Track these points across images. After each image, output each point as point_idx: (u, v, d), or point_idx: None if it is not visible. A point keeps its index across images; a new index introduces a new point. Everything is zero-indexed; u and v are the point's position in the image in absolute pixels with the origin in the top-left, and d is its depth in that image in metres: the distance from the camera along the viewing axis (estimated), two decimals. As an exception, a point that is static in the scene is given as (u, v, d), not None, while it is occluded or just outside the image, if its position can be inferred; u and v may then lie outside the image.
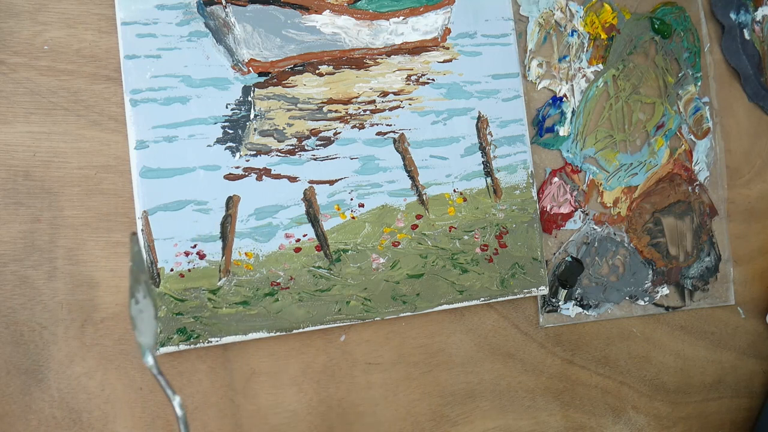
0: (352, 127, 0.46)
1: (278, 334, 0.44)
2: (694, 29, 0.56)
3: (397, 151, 0.47)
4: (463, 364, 0.49)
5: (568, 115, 0.52)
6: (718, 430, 0.57)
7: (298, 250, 0.44)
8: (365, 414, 0.47)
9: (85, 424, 0.41)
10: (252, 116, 0.44)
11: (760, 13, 0.58)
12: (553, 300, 0.51)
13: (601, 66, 0.53)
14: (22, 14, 0.41)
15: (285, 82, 0.44)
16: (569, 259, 0.51)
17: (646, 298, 0.54)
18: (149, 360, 0.34)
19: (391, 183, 0.46)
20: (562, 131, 0.52)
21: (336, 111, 0.45)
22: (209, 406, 0.44)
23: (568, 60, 0.52)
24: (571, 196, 0.52)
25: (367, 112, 0.46)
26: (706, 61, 0.56)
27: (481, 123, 0.48)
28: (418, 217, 0.47)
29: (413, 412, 0.48)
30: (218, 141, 0.43)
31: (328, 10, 0.45)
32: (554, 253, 0.51)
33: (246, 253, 0.43)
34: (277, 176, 0.44)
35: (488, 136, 0.48)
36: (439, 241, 0.47)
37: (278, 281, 0.44)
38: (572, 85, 0.52)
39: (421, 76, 0.47)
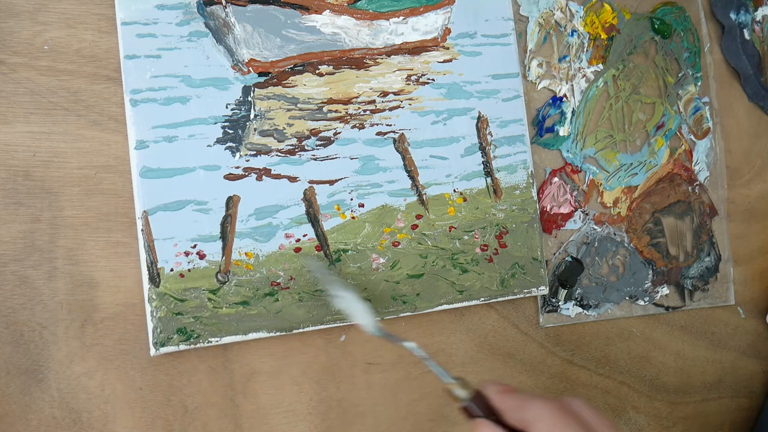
0: (352, 127, 0.46)
1: (278, 334, 0.44)
2: (694, 29, 0.56)
3: (397, 151, 0.47)
4: (463, 364, 0.49)
5: (568, 115, 0.52)
6: (718, 430, 0.57)
7: (298, 250, 0.44)
8: (365, 414, 0.47)
9: (85, 424, 0.41)
10: (252, 116, 0.44)
11: (760, 13, 0.58)
12: (553, 300, 0.51)
13: (601, 66, 0.53)
14: (22, 14, 0.41)
15: (285, 82, 0.44)
16: (569, 259, 0.51)
17: (646, 298, 0.54)
18: (380, 332, 0.40)
19: (391, 183, 0.46)
20: (562, 131, 0.52)
21: (336, 111, 0.45)
22: (209, 406, 0.44)
23: (568, 60, 0.52)
24: (571, 196, 0.52)
25: (367, 112, 0.46)
26: (706, 61, 0.56)
27: (481, 123, 0.48)
28: (418, 217, 0.47)
29: (413, 412, 0.48)
30: (218, 141, 0.43)
31: (328, 10, 0.45)
32: (554, 253, 0.51)
33: (246, 253, 0.43)
34: (277, 176, 0.44)
35: (488, 136, 0.48)
36: (439, 241, 0.47)
37: (278, 281, 0.44)
38: (572, 85, 0.52)
39: (421, 76, 0.47)
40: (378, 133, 0.46)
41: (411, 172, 0.47)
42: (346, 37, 0.46)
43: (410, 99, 0.47)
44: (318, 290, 0.44)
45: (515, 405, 0.33)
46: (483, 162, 0.48)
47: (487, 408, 0.34)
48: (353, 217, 0.45)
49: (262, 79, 0.44)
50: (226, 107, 0.43)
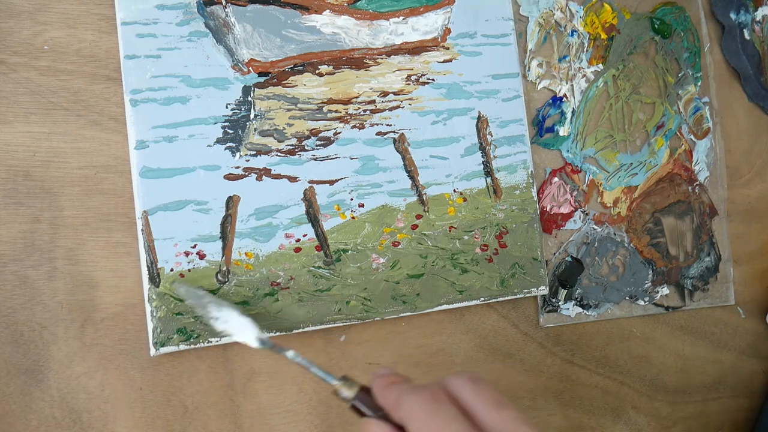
0: (352, 127, 0.46)
1: (278, 334, 0.44)
2: (694, 29, 0.56)
3: (397, 151, 0.47)
4: (463, 364, 0.49)
5: (568, 115, 0.52)
6: (718, 430, 0.57)
7: (298, 250, 0.44)
8: (365, 414, 0.47)
9: (85, 424, 0.41)
10: (252, 116, 0.44)
11: (760, 13, 0.58)
12: (553, 300, 0.51)
13: (601, 66, 0.53)
14: (22, 14, 0.41)
15: (285, 82, 0.44)
16: (569, 259, 0.51)
17: (646, 298, 0.54)
18: (264, 344, 0.38)
19: (391, 183, 0.46)
20: (562, 131, 0.52)
21: (336, 111, 0.45)
22: (209, 406, 0.44)
23: (568, 60, 0.52)
24: (571, 196, 0.52)
25: (367, 112, 0.46)
26: (706, 61, 0.56)
27: (481, 123, 0.48)
28: (418, 217, 0.47)
29: (413, 412, 0.48)
30: (218, 141, 0.43)
31: (328, 10, 0.45)
32: (554, 253, 0.51)
33: (246, 253, 0.43)
34: (277, 176, 0.44)
35: (488, 136, 0.48)
36: (439, 241, 0.47)
37: (278, 281, 0.44)
38: (572, 85, 0.52)
39: (421, 76, 0.47)
40: (378, 133, 0.46)
41: (411, 172, 0.47)
42: (346, 37, 0.46)
43: (410, 99, 0.47)
44: (318, 290, 0.44)
45: (393, 402, 0.31)
46: (483, 162, 0.48)
47: (375, 404, 0.32)
48: (353, 217, 0.45)
49: (262, 79, 0.44)
50: (226, 107, 0.43)
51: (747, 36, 0.57)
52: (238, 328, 0.39)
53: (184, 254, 0.42)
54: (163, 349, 0.41)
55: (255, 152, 0.44)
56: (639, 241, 0.53)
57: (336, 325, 0.45)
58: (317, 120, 0.45)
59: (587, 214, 0.52)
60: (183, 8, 0.43)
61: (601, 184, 0.53)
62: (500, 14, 0.49)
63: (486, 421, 0.29)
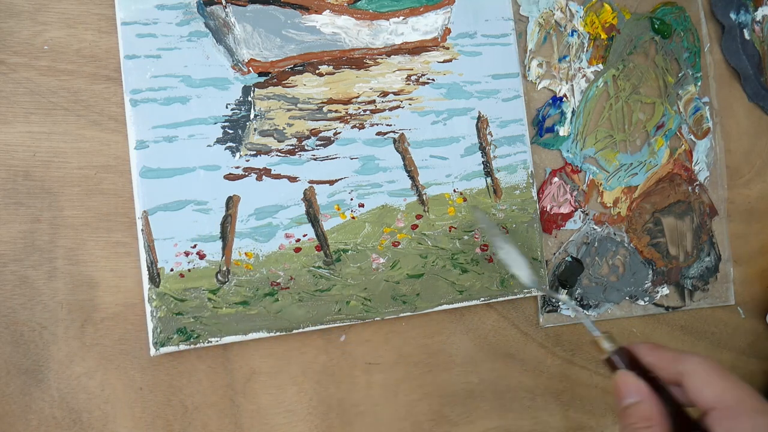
0: (352, 127, 0.46)
1: (278, 334, 0.44)
2: (694, 29, 0.56)
3: (397, 151, 0.47)
4: (463, 364, 0.49)
5: (568, 115, 0.52)
6: (718, 430, 0.57)
7: (298, 250, 0.44)
8: (365, 414, 0.47)
9: (85, 424, 0.41)
10: (252, 116, 0.44)
11: (760, 13, 0.58)
12: (553, 300, 0.51)
13: (601, 66, 0.53)
14: (22, 14, 0.41)
15: (285, 82, 0.44)
16: (569, 259, 0.51)
17: (646, 298, 0.54)
18: (533, 284, 0.45)
19: (391, 183, 0.46)
20: (562, 131, 0.52)
21: (336, 111, 0.45)
22: (209, 406, 0.44)
23: (568, 60, 0.52)
24: (571, 196, 0.52)
25: (367, 112, 0.46)
26: (706, 61, 0.56)
27: (481, 123, 0.48)
28: (418, 217, 0.47)
29: (413, 412, 0.48)
30: (218, 141, 0.43)
31: (328, 10, 0.45)
32: (554, 253, 0.51)
33: (246, 253, 0.43)
34: (277, 176, 0.44)
35: (488, 136, 0.48)
36: (439, 241, 0.47)
37: (278, 281, 0.44)
38: (572, 85, 0.52)
39: (421, 76, 0.47)
40: (378, 133, 0.46)
41: (411, 172, 0.47)
42: (346, 37, 0.46)
43: (410, 99, 0.47)
44: (318, 290, 0.44)
45: (670, 358, 0.35)
46: (483, 162, 0.48)
47: (629, 364, 0.36)
48: (353, 217, 0.45)
49: (262, 79, 0.44)
50: (226, 107, 0.43)
51: (747, 36, 0.57)
52: (517, 263, 0.45)
53: (184, 254, 0.42)
54: (163, 349, 0.41)
55: (255, 152, 0.44)
56: (639, 241, 0.53)
57: (336, 325, 0.45)
58: (317, 120, 0.45)
59: (587, 214, 0.52)
60: (183, 8, 0.43)
61: (601, 184, 0.53)
62: (500, 14, 0.49)
63: None
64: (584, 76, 0.52)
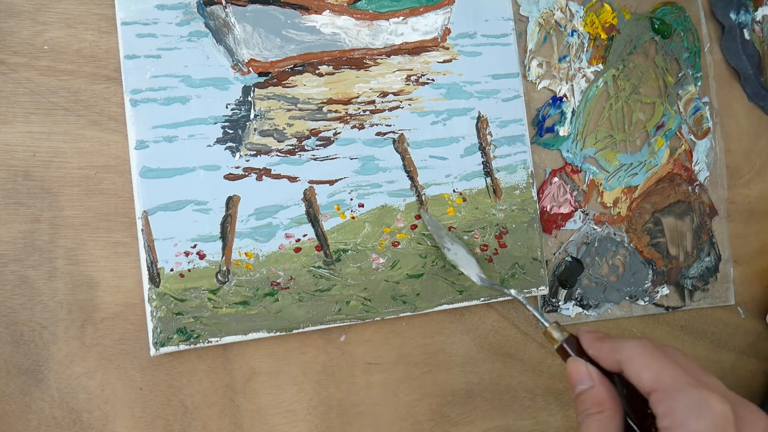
0: (352, 128, 0.46)
1: (278, 334, 0.44)
2: (694, 29, 0.56)
3: (397, 151, 0.47)
4: (463, 364, 0.49)
5: (568, 115, 0.52)
6: (718, 430, 0.57)
7: (298, 250, 0.44)
8: (365, 414, 0.47)
9: (85, 424, 0.41)
10: (252, 116, 0.44)
11: (760, 13, 0.58)
12: (553, 300, 0.51)
13: (601, 66, 0.53)
14: (22, 14, 0.41)
15: (285, 82, 0.44)
16: (569, 259, 0.51)
17: (646, 298, 0.54)
18: (483, 282, 0.44)
19: (391, 183, 0.46)
20: (562, 131, 0.52)
21: (336, 111, 0.45)
22: (209, 406, 0.44)
23: (568, 60, 0.52)
24: (571, 196, 0.52)
25: (367, 113, 0.46)
26: (706, 61, 0.56)
27: (480, 123, 0.48)
28: (418, 217, 0.47)
29: (413, 412, 0.48)
30: (218, 141, 0.43)
31: (328, 10, 0.45)
32: (554, 253, 0.51)
33: (246, 253, 0.43)
34: (277, 176, 0.44)
35: (488, 136, 0.48)
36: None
37: (278, 281, 0.44)
38: (572, 85, 0.52)
39: (420, 77, 0.47)
40: (378, 134, 0.46)
41: (410, 172, 0.47)
42: (346, 38, 0.46)
43: (410, 99, 0.47)
44: (318, 290, 0.44)
45: (608, 349, 0.35)
46: (483, 162, 0.48)
47: (579, 351, 0.37)
48: (353, 217, 0.45)
49: (262, 79, 0.44)
50: (226, 107, 0.43)
51: (747, 36, 0.57)
52: (465, 263, 0.45)
53: (184, 254, 0.42)
54: (163, 349, 0.41)
55: (255, 152, 0.44)
56: (639, 241, 0.53)
57: (336, 325, 0.45)
58: (317, 120, 0.45)
59: (587, 214, 0.52)
60: (183, 8, 0.43)
61: (601, 184, 0.53)
62: (500, 14, 0.49)
63: None
64: (584, 76, 0.52)
